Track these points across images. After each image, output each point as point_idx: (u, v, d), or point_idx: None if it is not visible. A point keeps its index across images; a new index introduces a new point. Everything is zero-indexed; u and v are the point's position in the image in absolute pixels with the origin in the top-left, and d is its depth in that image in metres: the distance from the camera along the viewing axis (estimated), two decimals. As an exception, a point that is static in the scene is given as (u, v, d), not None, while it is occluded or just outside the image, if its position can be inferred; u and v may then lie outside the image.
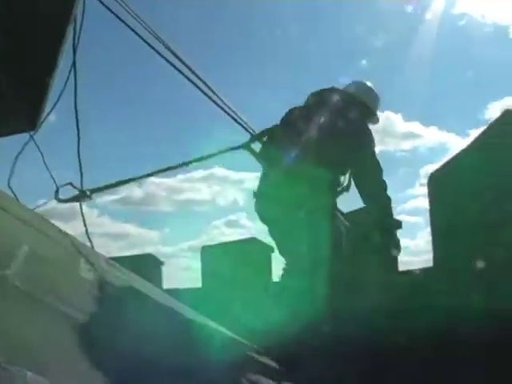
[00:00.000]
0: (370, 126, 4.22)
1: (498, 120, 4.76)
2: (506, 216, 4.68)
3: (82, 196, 3.74)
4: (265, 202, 4.00)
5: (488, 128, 4.92)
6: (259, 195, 4.05)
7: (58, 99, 4.21)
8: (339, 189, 4.07)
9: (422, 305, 5.57)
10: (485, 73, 23.99)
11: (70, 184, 3.75)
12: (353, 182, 4.10)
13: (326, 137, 3.89)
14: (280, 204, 3.85)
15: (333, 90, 4.25)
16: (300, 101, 4.26)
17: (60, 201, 3.74)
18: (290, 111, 4.18)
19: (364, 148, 4.03)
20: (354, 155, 3.99)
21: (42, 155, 4.13)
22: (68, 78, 4.00)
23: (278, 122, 4.19)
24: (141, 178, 3.99)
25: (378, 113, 4.40)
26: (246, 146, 4.13)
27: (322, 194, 3.88)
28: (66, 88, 4.03)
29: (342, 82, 4.47)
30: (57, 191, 3.72)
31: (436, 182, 5.94)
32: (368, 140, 4.08)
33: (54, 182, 3.85)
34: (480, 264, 4.93)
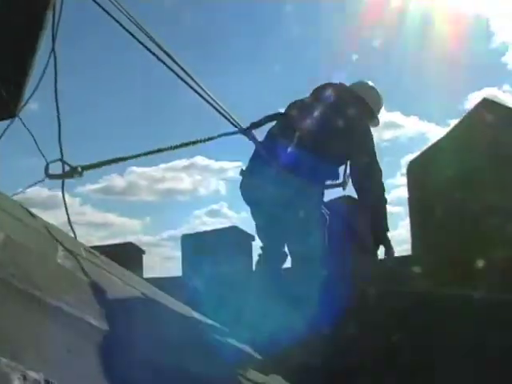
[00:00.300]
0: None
1: (475, 108, 4.81)
2: (483, 204, 4.74)
3: (72, 173, 3.63)
4: (252, 181, 4.01)
5: (466, 116, 4.96)
6: (248, 174, 4.07)
7: (38, 85, 4.14)
8: (329, 182, 4.10)
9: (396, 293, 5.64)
10: (465, 64, 24.19)
11: (60, 160, 3.64)
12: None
13: (323, 131, 3.92)
14: (268, 187, 3.87)
15: (338, 86, 4.28)
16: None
17: (50, 177, 3.63)
18: (293, 103, 4.20)
19: (363, 147, 4.07)
20: (352, 153, 4.03)
21: (31, 133, 4.06)
22: (47, 64, 3.94)
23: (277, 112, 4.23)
24: (135, 157, 3.88)
25: (379, 116, 4.44)
26: (246, 132, 4.13)
27: (311, 185, 3.90)
28: (46, 75, 3.97)
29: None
30: (46, 167, 3.62)
31: (414, 171, 6.00)
32: (367, 139, 4.11)
33: (44, 157, 3.73)
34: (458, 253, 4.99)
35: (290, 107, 4.22)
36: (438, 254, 5.38)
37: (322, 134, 3.91)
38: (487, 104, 4.66)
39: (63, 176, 3.59)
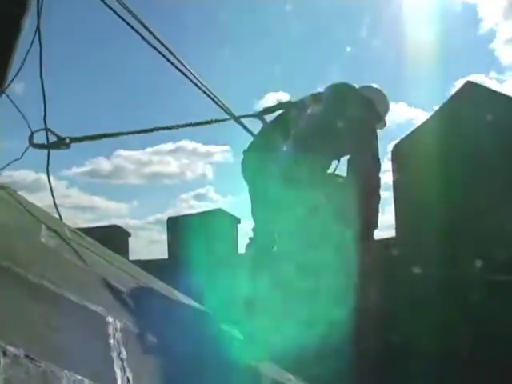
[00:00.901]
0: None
1: (459, 92, 4.82)
2: (466, 185, 4.76)
3: (60, 143, 3.48)
4: (256, 156, 4.07)
5: (450, 99, 4.97)
6: (252, 149, 4.14)
7: (24, 61, 4.05)
8: (329, 170, 4.19)
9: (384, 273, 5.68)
10: (453, 51, 24.27)
11: (48, 130, 3.47)
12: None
13: (326, 125, 3.99)
14: (269, 164, 3.93)
15: (349, 86, 4.35)
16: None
17: (34, 146, 3.50)
18: (309, 95, 4.26)
19: (368, 146, 4.13)
20: (355, 149, 4.09)
21: (17, 107, 3.93)
22: (32, 42, 3.84)
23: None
24: (128, 133, 3.77)
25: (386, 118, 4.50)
26: (259, 115, 4.18)
27: (311, 171, 3.96)
28: (32, 53, 3.88)
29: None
30: (31, 136, 3.48)
31: (399, 153, 6.03)
32: (372, 138, 4.17)
33: (28, 127, 3.52)
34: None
35: (302, 99, 4.31)
36: (421, 234, 5.42)
37: (325, 128, 4.00)
38: (470, 87, 4.67)
39: (49, 146, 3.46)
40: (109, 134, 3.71)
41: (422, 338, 4.89)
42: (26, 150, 3.53)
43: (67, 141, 3.47)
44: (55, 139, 3.52)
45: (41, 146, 3.49)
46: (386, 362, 5.13)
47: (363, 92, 4.39)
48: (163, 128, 3.87)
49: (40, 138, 3.54)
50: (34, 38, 3.82)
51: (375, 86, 4.51)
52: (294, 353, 3.71)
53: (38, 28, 3.88)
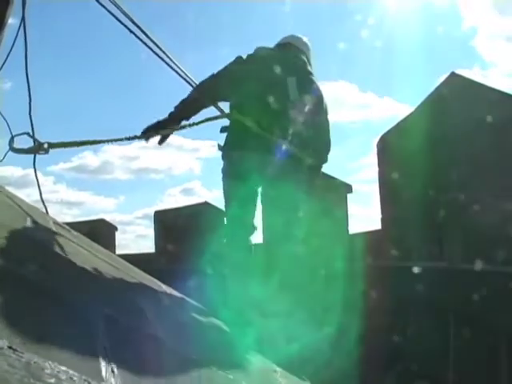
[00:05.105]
0: None
1: (443, 83, 4.85)
2: (452, 176, 4.80)
3: (38, 149, 3.48)
4: (239, 151, 4.02)
5: (434, 91, 5.01)
6: (232, 145, 4.08)
7: (7, 57, 4.01)
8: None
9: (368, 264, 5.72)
10: (437, 47, 24.47)
11: (27, 134, 3.47)
12: None
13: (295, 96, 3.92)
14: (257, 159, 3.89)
15: (265, 48, 4.19)
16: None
17: (14, 150, 3.50)
18: (259, 48, 4.11)
19: (322, 111, 4.07)
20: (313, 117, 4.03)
21: None
22: (17, 34, 3.78)
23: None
24: (108, 141, 3.73)
25: None
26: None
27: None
28: (17, 48, 3.83)
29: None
30: (11, 140, 3.47)
31: (384, 145, 6.06)
32: (325, 103, 4.12)
33: (9, 129, 3.51)
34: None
35: (257, 51, 4.13)
36: (406, 225, 5.47)
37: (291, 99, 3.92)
38: (455, 78, 4.70)
39: (27, 151, 3.46)
40: (88, 142, 3.66)
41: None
42: (6, 154, 3.54)
43: (46, 146, 3.46)
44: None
45: (20, 151, 3.49)
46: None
47: (297, 44, 4.12)
48: (140, 137, 3.81)
49: (20, 141, 3.54)
50: (18, 30, 3.76)
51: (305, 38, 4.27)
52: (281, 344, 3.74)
53: (22, 18, 3.82)
